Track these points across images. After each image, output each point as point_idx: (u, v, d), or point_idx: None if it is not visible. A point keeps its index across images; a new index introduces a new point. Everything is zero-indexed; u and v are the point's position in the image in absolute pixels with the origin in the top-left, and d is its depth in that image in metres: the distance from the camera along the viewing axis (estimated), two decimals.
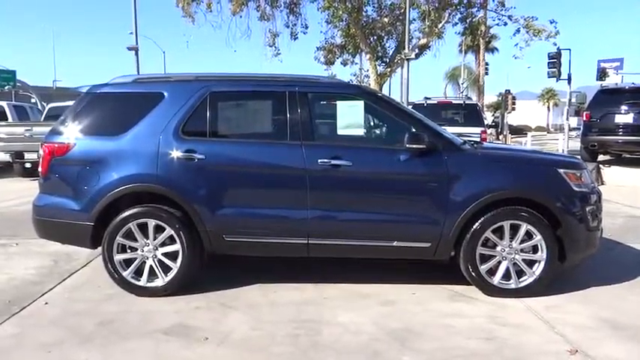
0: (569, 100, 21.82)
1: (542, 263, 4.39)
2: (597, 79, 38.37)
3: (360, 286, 4.70)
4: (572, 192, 4.42)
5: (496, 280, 4.43)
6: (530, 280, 4.42)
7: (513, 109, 31.77)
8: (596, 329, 3.85)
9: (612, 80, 38.94)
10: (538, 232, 4.34)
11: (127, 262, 4.46)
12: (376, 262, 5.12)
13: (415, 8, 19.35)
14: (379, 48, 20.90)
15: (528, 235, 4.38)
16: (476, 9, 20.13)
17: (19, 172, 13.41)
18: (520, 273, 4.45)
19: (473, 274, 4.42)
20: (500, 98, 42.05)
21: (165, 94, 4.51)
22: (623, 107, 12.28)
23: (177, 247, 4.39)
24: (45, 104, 20.19)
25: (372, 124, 4.70)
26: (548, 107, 74.49)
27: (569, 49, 21.07)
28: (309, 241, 4.39)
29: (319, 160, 4.31)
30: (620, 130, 12.16)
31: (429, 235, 4.37)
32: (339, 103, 4.53)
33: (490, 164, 4.49)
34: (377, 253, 4.51)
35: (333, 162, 4.31)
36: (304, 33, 22.58)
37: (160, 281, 4.43)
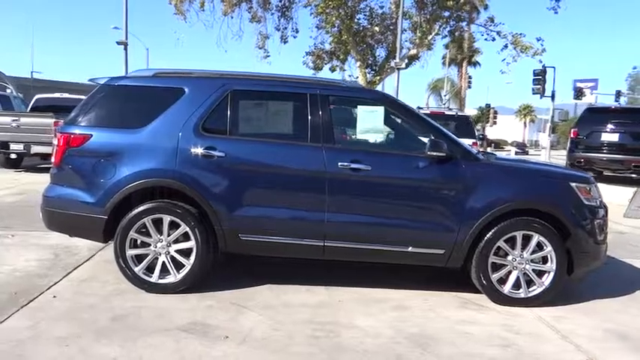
0: (552, 116, 22.31)
1: (552, 274, 4.48)
2: (574, 98, 39.50)
3: (371, 290, 4.73)
4: (583, 205, 4.53)
5: (506, 289, 4.50)
6: (540, 290, 4.50)
7: (495, 122, 32.36)
8: (604, 340, 3.94)
9: (587, 100, 40.16)
10: (549, 244, 4.43)
11: (139, 258, 4.40)
12: (384, 267, 5.14)
13: (407, 19, 19.57)
14: (369, 56, 21.06)
15: (539, 246, 4.47)
16: (465, 23, 20.45)
17: (2, 163, 13.09)
18: (529, 283, 4.53)
19: (484, 282, 4.49)
20: (480, 112, 42.79)
21: (186, 89, 4.48)
22: (610, 126, 12.64)
23: (191, 244, 4.35)
24: (21, 95, 19.75)
25: (391, 130, 4.73)
26: (525, 123, 76.12)
27: (554, 67, 21.54)
28: (325, 244, 4.40)
29: (339, 164, 4.33)
30: (606, 148, 12.50)
31: (443, 242, 4.43)
32: (359, 107, 4.57)
33: (505, 175, 4.57)
34: (391, 258, 4.54)
35: (353, 165, 4.33)
36: (294, 37, 22.72)
37: (172, 278, 4.39)
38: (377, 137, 4.59)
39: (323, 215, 4.36)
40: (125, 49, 18.60)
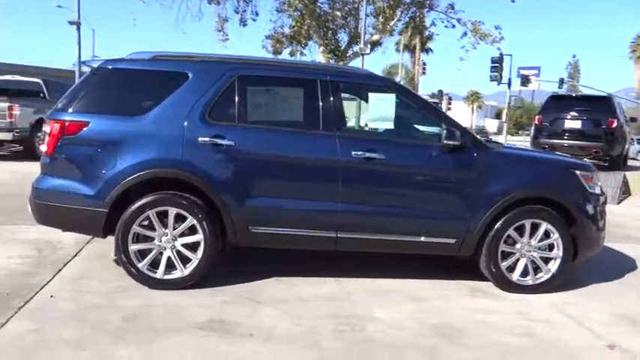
0: (509, 103, 22.94)
1: (558, 261, 4.55)
2: (521, 85, 40.83)
3: (379, 281, 4.65)
4: (587, 193, 4.61)
5: (515, 276, 4.54)
6: (546, 277, 4.56)
7: (449, 108, 32.99)
8: (615, 324, 4.02)
9: (532, 87, 41.54)
10: (556, 231, 4.49)
11: (142, 253, 4.16)
12: (386, 257, 5.07)
13: (370, 4, 19.50)
14: (332, 41, 20.91)
15: (546, 234, 4.52)
16: (426, 9, 20.59)
17: None
18: (536, 270, 4.58)
19: (494, 270, 4.50)
20: (433, 98, 43.57)
21: (190, 74, 4.23)
22: (572, 113, 13.08)
23: (198, 237, 4.14)
24: None
25: (402, 118, 4.64)
26: (473, 109, 78.07)
27: (511, 55, 22.07)
28: (338, 235, 4.30)
29: (353, 152, 4.22)
30: (568, 134, 12.94)
31: (455, 231, 4.41)
32: (370, 95, 4.46)
33: (515, 163, 4.60)
34: (403, 248, 4.49)
35: (368, 155, 4.23)
36: (254, 20, 22.28)
37: (178, 273, 4.17)
38: (388, 125, 4.49)
39: (336, 205, 4.25)
40: (78, 29, 17.68)
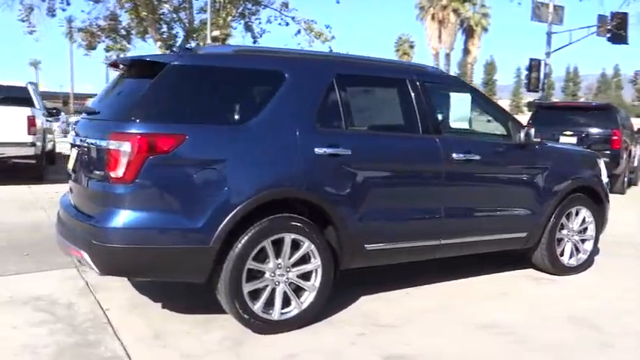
0: None
1: (592, 241, 5.05)
2: None
3: (454, 284, 4.57)
4: (604, 179, 5.21)
5: (565, 260, 4.90)
6: (585, 257, 5.03)
7: None
8: None
9: None
10: (591, 215, 4.98)
11: (254, 293, 3.40)
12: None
13: None
14: (167, 35, 19.47)
15: (582, 218, 4.98)
16: (262, 7, 20.49)
17: None
18: (575, 252, 5.01)
19: (551, 256, 4.79)
20: None
21: (286, 74, 3.56)
22: None
23: (315, 264, 3.54)
24: None
25: (479, 117, 4.61)
26: None
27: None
28: (441, 242, 4.10)
29: (455, 155, 4.06)
30: None
31: (527, 224, 4.57)
32: (451, 95, 4.33)
33: (565, 156, 4.96)
34: (488, 246, 4.50)
35: (467, 156, 4.11)
36: (63, 10, 19.64)
37: (295, 310, 3.51)
38: (465, 125, 4.42)
39: (441, 212, 4.05)
40: None
